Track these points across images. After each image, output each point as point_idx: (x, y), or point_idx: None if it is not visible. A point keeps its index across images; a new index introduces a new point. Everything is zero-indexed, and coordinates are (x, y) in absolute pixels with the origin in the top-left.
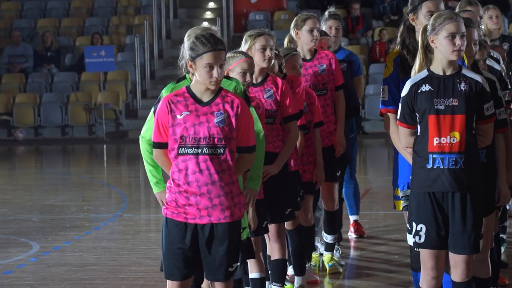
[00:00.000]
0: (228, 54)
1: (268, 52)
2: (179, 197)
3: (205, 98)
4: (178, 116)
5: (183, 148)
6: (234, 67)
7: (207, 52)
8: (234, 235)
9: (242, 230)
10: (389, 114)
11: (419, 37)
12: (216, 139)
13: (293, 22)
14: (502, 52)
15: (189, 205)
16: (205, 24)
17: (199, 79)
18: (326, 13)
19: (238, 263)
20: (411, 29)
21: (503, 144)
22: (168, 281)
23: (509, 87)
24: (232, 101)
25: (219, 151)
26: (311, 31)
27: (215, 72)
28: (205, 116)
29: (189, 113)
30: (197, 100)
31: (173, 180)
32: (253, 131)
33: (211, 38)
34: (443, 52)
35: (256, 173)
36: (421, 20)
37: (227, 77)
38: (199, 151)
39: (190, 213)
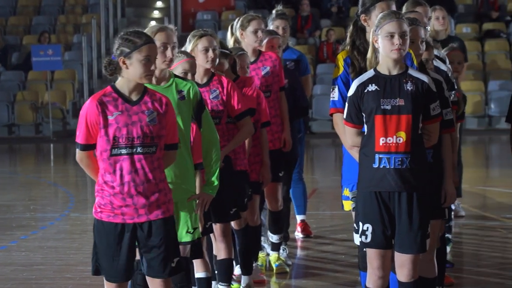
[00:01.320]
0: None
1: (210, 53)
2: (114, 199)
3: (134, 97)
4: (110, 117)
5: (116, 149)
6: (176, 67)
7: (145, 44)
8: (172, 229)
9: (193, 231)
10: (338, 114)
11: (369, 38)
12: (149, 138)
13: (239, 22)
14: (461, 55)
15: (126, 206)
16: (153, 23)
17: (133, 75)
18: (274, 12)
19: (178, 258)
20: (361, 30)
21: (449, 144)
22: (106, 283)
23: (456, 87)
24: (160, 99)
25: (152, 150)
26: (255, 32)
27: (153, 66)
28: (137, 115)
29: (120, 113)
30: (126, 100)
31: (105, 182)
32: (177, 128)
33: (143, 32)
34: (384, 52)
35: (213, 178)
36: (374, 21)
37: (183, 78)
38: (133, 150)
39: (127, 214)
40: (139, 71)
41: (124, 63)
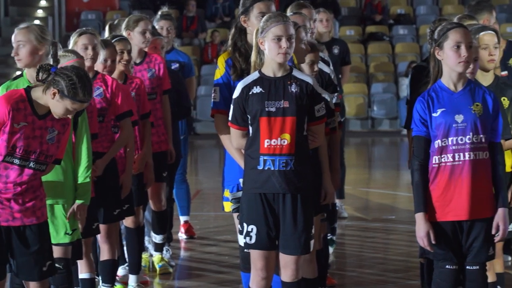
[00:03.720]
0: (60, 53)
1: (90, 51)
2: None
3: (42, 110)
4: (15, 125)
5: (10, 157)
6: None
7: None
8: (46, 234)
9: (72, 232)
10: (220, 115)
11: (252, 39)
12: (44, 156)
13: (125, 22)
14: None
15: (2, 208)
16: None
17: (52, 106)
18: (159, 13)
19: (50, 261)
20: (242, 31)
21: (325, 146)
22: None
23: (338, 89)
24: (64, 118)
25: (42, 168)
26: (143, 32)
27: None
28: (40, 130)
29: (26, 124)
30: (35, 112)
31: None
32: (66, 145)
33: (87, 87)
34: (270, 55)
35: (84, 188)
36: (253, 21)
37: None
38: (26, 164)
39: (3, 216)
40: (59, 110)
41: (54, 95)
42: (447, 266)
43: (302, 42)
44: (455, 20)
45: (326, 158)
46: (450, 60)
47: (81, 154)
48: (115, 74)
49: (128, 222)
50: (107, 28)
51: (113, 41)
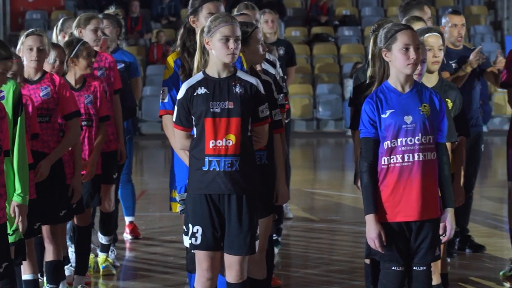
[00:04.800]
0: None
1: (34, 53)
2: None
3: None
4: None
5: None
6: None
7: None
8: (4, 235)
9: (12, 233)
10: (168, 116)
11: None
12: None
13: (76, 20)
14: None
15: None
16: None
17: None
18: (103, 13)
19: (7, 263)
20: (191, 31)
21: (280, 145)
22: None
23: (284, 90)
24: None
25: None
26: (95, 30)
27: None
28: None
29: None
30: None
31: None
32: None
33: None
34: (218, 55)
35: (22, 187)
36: (202, 22)
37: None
38: None
39: None
40: None
41: None
42: (393, 267)
43: (259, 43)
44: (403, 21)
45: (281, 158)
46: (398, 62)
47: (14, 153)
48: (70, 78)
49: (78, 220)
50: (55, 29)
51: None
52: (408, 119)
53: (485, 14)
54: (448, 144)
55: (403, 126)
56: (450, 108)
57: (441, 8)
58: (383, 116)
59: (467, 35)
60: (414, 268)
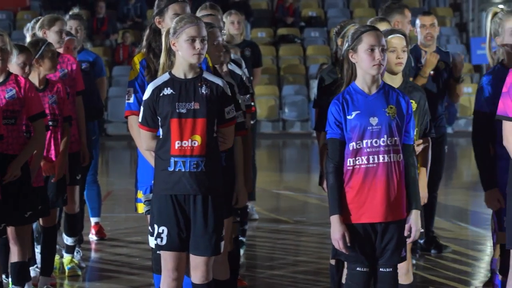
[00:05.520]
0: None
1: None
2: None
3: None
4: None
5: None
6: None
7: None
8: None
9: None
10: (134, 116)
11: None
12: None
13: (40, 21)
14: None
15: None
16: None
17: None
18: (69, 14)
19: None
20: (157, 32)
21: (241, 147)
22: None
23: (251, 91)
24: None
25: None
26: (59, 32)
27: None
28: None
29: None
30: None
31: None
32: None
33: None
34: (184, 56)
35: None
36: (168, 22)
37: None
38: None
39: None
40: None
41: None
42: (358, 269)
43: (217, 43)
44: (368, 23)
45: (241, 160)
46: (364, 63)
47: None
48: (34, 78)
49: (44, 221)
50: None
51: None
52: (374, 120)
53: (450, 16)
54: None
55: (368, 128)
56: (414, 109)
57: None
58: (348, 117)
59: None
60: (380, 269)
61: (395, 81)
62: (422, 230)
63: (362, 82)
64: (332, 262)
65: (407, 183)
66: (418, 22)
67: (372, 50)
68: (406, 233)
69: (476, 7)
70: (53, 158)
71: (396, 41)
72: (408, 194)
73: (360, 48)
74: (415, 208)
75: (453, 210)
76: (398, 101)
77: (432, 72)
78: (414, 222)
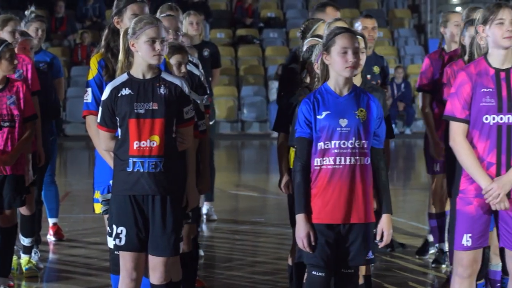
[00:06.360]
0: None
1: None
2: None
3: None
4: None
5: None
6: None
7: None
8: None
9: None
10: (92, 116)
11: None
12: None
13: None
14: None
15: None
16: None
17: None
18: (32, 14)
19: None
20: (116, 32)
21: (193, 149)
22: None
23: (208, 92)
24: None
25: None
26: (13, 32)
27: None
28: None
29: None
30: None
31: None
32: None
33: None
34: (144, 57)
35: None
36: (126, 23)
37: None
38: None
39: None
40: None
41: None
42: (314, 272)
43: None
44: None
45: (193, 161)
46: (337, 65)
47: None
48: None
49: (3, 222)
50: None
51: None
52: (343, 122)
53: (409, 17)
54: None
55: (337, 129)
56: None
57: (365, 10)
58: (318, 117)
59: (391, 38)
60: (342, 270)
61: (354, 82)
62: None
63: (334, 83)
64: (290, 262)
65: (377, 187)
66: (359, 24)
67: (345, 52)
68: (378, 238)
69: (434, 9)
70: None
71: None
72: (379, 198)
73: (333, 50)
74: (386, 212)
75: (411, 211)
76: (369, 104)
77: (368, 77)
78: (386, 226)
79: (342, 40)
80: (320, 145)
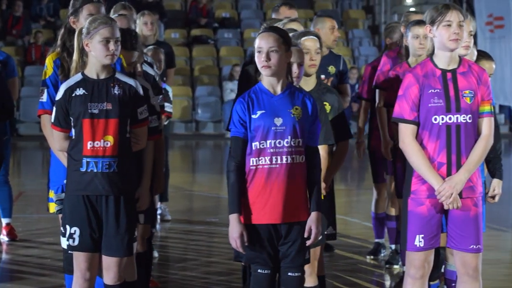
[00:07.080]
0: None
1: None
2: None
3: None
4: None
5: None
6: None
7: None
8: None
9: None
10: (47, 115)
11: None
12: None
13: None
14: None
15: None
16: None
17: None
18: None
19: None
20: (72, 32)
21: (152, 152)
22: None
23: (163, 92)
24: None
25: None
26: None
27: None
28: None
29: None
30: None
31: None
32: None
33: None
34: (97, 57)
35: None
36: (82, 22)
37: None
38: None
39: None
40: None
41: None
42: (259, 270)
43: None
44: (280, 24)
45: (150, 162)
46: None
47: None
48: None
49: None
50: None
51: None
52: (278, 121)
53: (363, 18)
54: (325, 147)
55: (272, 128)
56: (328, 111)
57: (320, 11)
58: (253, 116)
59: (345, 39)
60: (289, 274)
61: (309, 83)
62: (334, 232)
63: (267, 82)
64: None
65: (310, 185)
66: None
67: (260, 52)
68: (306, 235)
69: (389, 10)
70: None
71: (310, 43)
72: (310, 196)
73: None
74: (316, 210)
75: (364, 211)
76: (304, 102)
77: (323, 77)
78: (314, 223)
79: (260, 41)
80: (256, 144)
